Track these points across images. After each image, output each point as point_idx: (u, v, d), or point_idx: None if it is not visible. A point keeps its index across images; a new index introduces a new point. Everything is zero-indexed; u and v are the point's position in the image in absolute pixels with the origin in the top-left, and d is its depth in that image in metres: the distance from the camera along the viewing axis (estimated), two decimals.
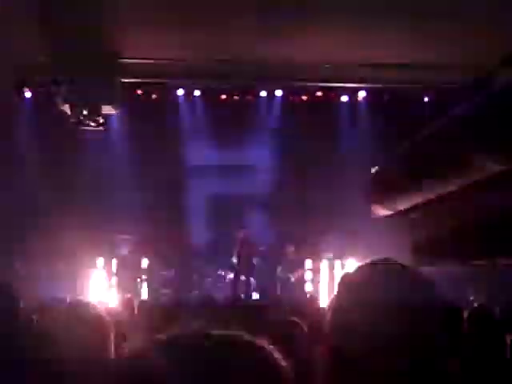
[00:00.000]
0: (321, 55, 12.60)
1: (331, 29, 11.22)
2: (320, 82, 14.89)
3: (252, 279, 14.69)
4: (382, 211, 10.77)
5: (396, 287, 1.44)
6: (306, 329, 4.83)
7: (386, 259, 1.55)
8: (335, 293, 1.55)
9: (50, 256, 13.98)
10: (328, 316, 1.53)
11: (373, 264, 1.54)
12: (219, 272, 15.09)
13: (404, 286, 1.45)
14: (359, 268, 1.56)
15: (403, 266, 1.52)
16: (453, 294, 9.18)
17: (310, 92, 15.36)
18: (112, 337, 2.28)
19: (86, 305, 2.38)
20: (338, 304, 1.52)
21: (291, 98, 15.73)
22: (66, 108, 11.76)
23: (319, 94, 15.28)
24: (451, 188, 7.57)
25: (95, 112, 11.70)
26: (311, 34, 11.45)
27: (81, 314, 2.27)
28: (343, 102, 15.69)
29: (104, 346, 2.24)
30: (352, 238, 14.33)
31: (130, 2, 10.25)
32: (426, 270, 3.83)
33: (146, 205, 14.98)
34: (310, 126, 15.10)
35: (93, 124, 11.84)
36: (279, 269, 15.00)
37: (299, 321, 4.80)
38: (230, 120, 15.73)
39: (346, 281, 1.54)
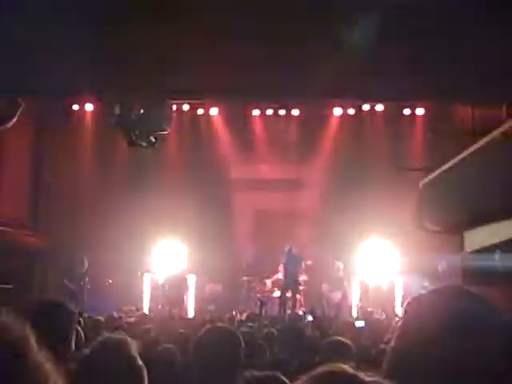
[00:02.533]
0: None
1: None
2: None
3: (298, 296, 14.56)
4: (429, 226, 10.57)
5: (465, 315, 1.39)
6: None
7: (453, 286, 1.51)
8: (400, 319, 1.51)
9: (99, 270, 14.37)
10: (392, 343, 1.49)
11: (440, 291, 1.49)
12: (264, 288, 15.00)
13: (472, 315, 1.40)
14: (427, 294, 1.52)
15: (471, 293, 1.48)
16: None
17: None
18: None
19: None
20: (402, 332, 1.47)
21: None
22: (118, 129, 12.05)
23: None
24: None
25: (147, 133, 11.89)
26: None
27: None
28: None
29: None
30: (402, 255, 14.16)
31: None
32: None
33: (192, 220, 15.07)
34: (358, 140, 15.12)
35: (144, 144, 12.02)
36: (324, 285, 14.83)
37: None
38: (276, 135, 15.88)
39: (412, 308, 1.50)
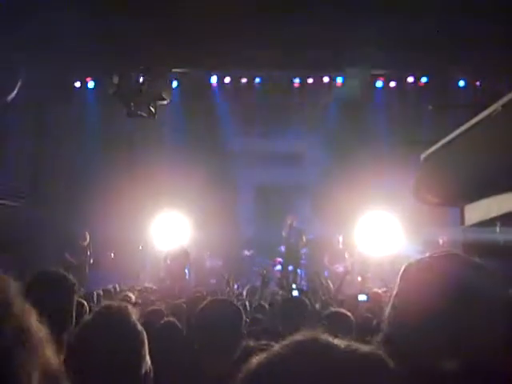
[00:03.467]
0: None
1: None
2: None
3: (300, 270, 14.62)
4: (431, 199, 10.54)
5: (460, 280, 1.38)
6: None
7: (448, 252, 1.50)
8: (396, 285, 1.50)
9: (98, 246, 14.42)
10: (387, 307, 1.49)
11: (435, 257, 1.48)
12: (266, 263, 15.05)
13: (468, 280, 1.39)
14: (421, 261, 1.50)
15: (466, 259, 1.47)
16: None
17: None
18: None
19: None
20: (398, 297, 1.46)
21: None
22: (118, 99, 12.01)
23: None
24: None
25: (147, 103, 11.85)
26: None
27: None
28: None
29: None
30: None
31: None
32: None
33: (193, 194, 15.07)
34: (356, 114, 15.11)
35: (144, 114, 11.97)
36: (326, 259, 14.88)
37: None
38: (278, 108, 15.84)
39: (407, 273, 1.49)
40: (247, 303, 7.03)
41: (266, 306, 6.75)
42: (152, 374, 2.19)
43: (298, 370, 0.96)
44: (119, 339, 2.12)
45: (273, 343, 2.42)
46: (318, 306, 6.41)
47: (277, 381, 0.96)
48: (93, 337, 2.15)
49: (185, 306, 5.82)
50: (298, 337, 1.03)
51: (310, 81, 15.91)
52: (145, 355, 2.18)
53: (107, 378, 2.05)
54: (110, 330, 2.14)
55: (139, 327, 2.22)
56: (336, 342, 1.02)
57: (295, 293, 11.27)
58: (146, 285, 13.46)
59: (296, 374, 0.96)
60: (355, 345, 1.03)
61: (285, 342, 1.04)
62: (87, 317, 2.36)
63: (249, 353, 2.45)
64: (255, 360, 1.02)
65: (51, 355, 0.99)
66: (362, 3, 11.09)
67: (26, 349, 0.94)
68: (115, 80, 11.45)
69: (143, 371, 2.14)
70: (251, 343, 2.39)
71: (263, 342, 2.42)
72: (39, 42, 11.70)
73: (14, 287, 1.00)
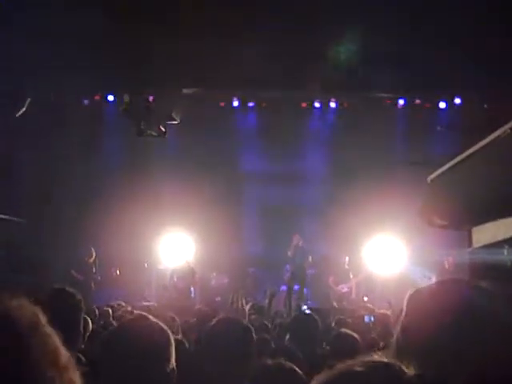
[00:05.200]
0: None
1: None
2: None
3: (306, 289, 14.57)
4: (437, 221, 10.51)
5: (467, 306, 1.38)
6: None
7: (455, 278, 1.50)
8: (404, 311, 1.49)
9: (104, 263, 14.44)
10: (395, 331, 1.49)
11: (442, 283, 1.48)
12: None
13: (475, 305, 1.39)
14: (428, 286, 1.50)
15: (473, 284, 1.46)
16: None
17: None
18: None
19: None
20: (405, 322, 1.46)
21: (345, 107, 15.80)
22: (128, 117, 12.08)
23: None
24: None
25: (157, 122, 11.91)
26: None
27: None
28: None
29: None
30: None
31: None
32: None
33: (199, 213, 15.08)
34: (362, 135, 15.15)
35: (154, 133, 12.03)
36: (331, 279, 14.83)
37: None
38: (283, 129, 15.88)
39: (415, 299, 1.49)
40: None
41: (269, 326, 6.72)
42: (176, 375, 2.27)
43: None
44: (148, 340, 2.21)
45: (287, 362, 2.43)
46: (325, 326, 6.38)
47: None
48: (123, 338, 2.25)
49: (192, 323, 5.81)
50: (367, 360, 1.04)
51: (317, 104, 16.03)
52: (171, 356, 2.27)
53: (136, 376, 2.14)
54: (140, 331, 2.25)
55: (165, 328, 2.32)
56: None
57: (307, 310, 11.21)
58: (147, 303, 13.45)
59: None
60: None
61: (352, 363, 1.04)
62: (112, 328, 2.46)
63: (267, 371, 2.46)
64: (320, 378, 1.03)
65: (77, 377, 1.05)
66: (371, 22, 11.17)
67: (56, 369, 1.00)
68: (126, 98, 11.53)
69: (169, 370, 2.24)
70: (268, 361, 2.40)
71: (280, 361, 2.43)
72: (49, 59, 11.79)
73: (39, 311, 1.06)
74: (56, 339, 1.04)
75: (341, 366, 1.02)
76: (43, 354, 0.99)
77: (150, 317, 2.38)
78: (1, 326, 0.99)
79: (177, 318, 5.93)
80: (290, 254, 14.29)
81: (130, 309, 8.36)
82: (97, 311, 7.97)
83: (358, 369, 1.00)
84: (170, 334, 2.33)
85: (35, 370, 0.96)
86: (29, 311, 1.03)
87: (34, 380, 0.96)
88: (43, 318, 1.05)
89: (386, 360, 1.03)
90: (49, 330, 1.04)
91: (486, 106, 14.77)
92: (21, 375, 0.95)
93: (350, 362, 1.03)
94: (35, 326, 1.02)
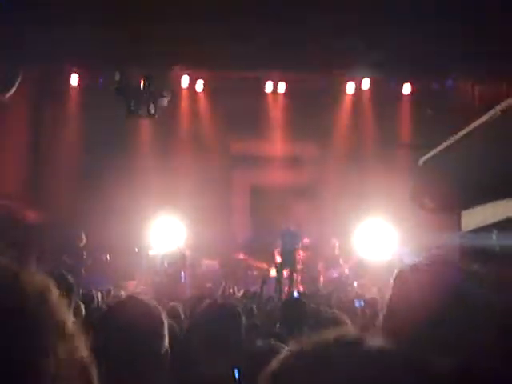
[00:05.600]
0: None
1: None
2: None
3: (295, 274, 14.58)
4: (428, 204, 10.56)
5: (453, 286, 1.38)
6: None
7: (442, 258, 1.48)
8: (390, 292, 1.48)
9: (94, 248, 14.40)
10: (381, 316, 1.47)
11: (429, 263, 1.47)
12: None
13: (461, 285, 1.38)
14: (415, 266, 1.49)
15: (459, 265, 1.46)
16: None
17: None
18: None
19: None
20: (391, 302, 1.45)
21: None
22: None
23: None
24: None
25: (147, 103, 11.84)
26: None
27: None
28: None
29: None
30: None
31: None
32: None
33: (189, 196, 15.05)
34: (354, 118, 15.14)
35: (144, 114, 11.97)
36: (321, 264, 14.86)
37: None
38: (276, 111, 15.85)
39: (401, 279, 1.47)
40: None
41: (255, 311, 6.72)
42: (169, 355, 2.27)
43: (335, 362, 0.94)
44: (141, 320, 2.20)
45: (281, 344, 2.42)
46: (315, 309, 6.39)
47: (306, 376, 0.94)
48: (117, 318, 2.24)
49: (181, 307, 5.80)
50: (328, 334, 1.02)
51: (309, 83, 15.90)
52: (164, 336, 2.26)
53: (130, 356, 2.13)
54: (133, 311, 2.23)
55: (159, 308, 2.31)
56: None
57: (295, 294, 11.24)
58: (141, 287, 13.45)
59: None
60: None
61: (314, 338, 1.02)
62: (104, 307, 2.48)
63: (257, 352, 2.45)
64: (280, 358, 1.00)
65: (82, 346, 1.07)
66: (366, 8, 11.11)
67: (61, 338, 1.02)
68: (117, 77, 11.46)
69: (163, 351, 2.22)
70: (259, 343, 2.39)
71: (272, 342, 2.42)
72: (39, 37, 11.67)
73: (48, 280, 1.08)
74: (65, 310, 1.06)
75: (298, 345, 1.00)
76: (51, 321, 1.01)
77: (142, 297, 2.37)
78: (12, 289, 1.00)
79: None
80: (279, 238, 14.30)
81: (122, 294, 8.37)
82: (99, 295, 8.01)
83: (318, 345, 0.98)
84: (163, 313, 2.32)
85: (41, 336, 0.98)
86: (40, 280, 1.05)
87: (38, 345, 0.98)
88: (54, 289, 1.07)
89: (351, 334, 1.01)
90: (57, 300, 1.06)
91: (475, 88, 14.78)
92: (26, 340, 0.96)
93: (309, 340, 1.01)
94: (45, 293, 1.04)
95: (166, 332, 2.27)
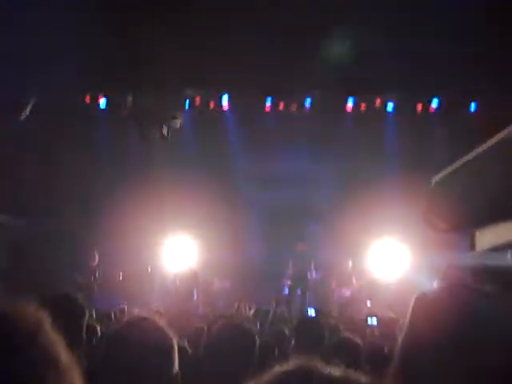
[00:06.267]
0: None
1: None
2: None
3: (307, 294, 14.54)
4: (441, 224, 10.47)
5: (471, 311, 1.37)
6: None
7: (459, 282, 1.48)
8: (408, 316, 1.48)
9: (107, 267, 14.43)
10: (400, 340, 1.47)
11: (446, 287, 1.47)
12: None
13: (480, 310, 1.38)
14: (434, 293, 1.49)
15: (476, 289, 1.45)
16: None
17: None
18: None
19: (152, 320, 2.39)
20: (410, 328, 1.45)
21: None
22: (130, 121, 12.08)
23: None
24: None
25: (160, 125, 11.92)
26: None
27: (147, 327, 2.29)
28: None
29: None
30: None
31: None
32: None
33: (202, 216, 15.06)
34: (366, 139, 15.13)
35: (157, 136, 12.05)
36: (334, 283, 14.80)
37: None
38: (291, 130, 15.87)
39: (419, 304, 1.47)
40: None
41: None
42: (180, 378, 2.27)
43: None
44: (152, 342, 2.20)
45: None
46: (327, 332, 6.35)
47: None
48: (127, 340, 2.23)
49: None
50: (290, 365, 1.03)
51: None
52: (175, 358, 2.25)
53: (141, 378, 2.12)
54: (144, 334, 2.22)
55: (169, 331, 2.31)
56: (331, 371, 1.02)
57: (312, 313, 11.17)
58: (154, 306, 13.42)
59: None
60: (351, 375, 1.03)
61: (273, 370, 1.03)
62: (113, 328, 2.45)
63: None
64: None
65: (78, 380, 1.08)
66: (375, 25, 11.16)
67: (56, 372, 1.03)
68: (129, 102, 11.55)
69: (174, 373, 2.23)
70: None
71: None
72: (51, 59, 11.79)
73: (43, 317, 1.10)
74: (58, 343, 1.07)
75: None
76: (45, 357, 1.02)
77: (153, 318, 2.36)
78: (5, 328, 1.02)
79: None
80: (292, 258, 14.29)
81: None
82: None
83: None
84: (173, 335, 2.31)
85: (36, 373, 0.99)
86: (33, 315, 1.06)
87: (33, 381, 0.98)
88: (47, 323, 1.08)
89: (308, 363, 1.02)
90: (52, 334, 1.07)
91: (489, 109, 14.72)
92: (21, 377, 0.97)
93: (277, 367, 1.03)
94: (38, 329, 1.05)
95: (176, 354, 2.26)
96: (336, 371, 1.02)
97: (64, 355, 1.07)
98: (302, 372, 0.99)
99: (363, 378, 1.04)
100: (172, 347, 2.26)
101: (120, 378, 2.12)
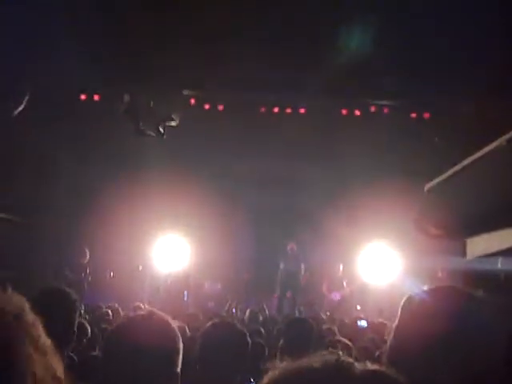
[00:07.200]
0: None
1: None
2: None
3: (297, 296, 14.56)
4: (433, 231, 10.50)
5: (459, 313, 1.38)
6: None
7: (448, 286, 1.50)
8: (397, 319, 1.49)
9: (98, 264, 14.39)
10: (388, 342, 1.48)
11: (435, 290, 1.48)
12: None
13: (468, 313, 1.39)
14: (422, 294, 1.50)
15: (465, 292, 1.47)
16: None
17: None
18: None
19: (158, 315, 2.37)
20: (398, 330, 1.46)
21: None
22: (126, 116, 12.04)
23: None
24: None
25: (156, 123, 11.90)
26: None
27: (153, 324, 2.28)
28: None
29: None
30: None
31: None
32: None
33: (193, 217, 15.05)
34: (358, 143, 15.15)
35: (152, 134, 12.03)
36: (324, 287, 14.83)
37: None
38: (282, 132, 15.87)
39: (408, 306, 1.49)
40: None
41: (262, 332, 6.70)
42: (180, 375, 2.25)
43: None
44: (159, 336, 2.18)
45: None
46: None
47: None
48: (132, 334, 2.20)
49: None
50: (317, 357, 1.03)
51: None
52: (177, 358, 2.23)
53: (146, 373, 2.10)
54: (151, 328, 2.21)
55: (175, 326, 2.29)
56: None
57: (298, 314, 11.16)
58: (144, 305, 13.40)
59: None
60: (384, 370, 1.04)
61: (304, 360, 1.03)
62: (114, 326, 2.44)
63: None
64: (270, 375, 1.02)
65: (58, 362, 1.13)
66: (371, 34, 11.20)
67: (37, 354, 1.07)
68: (126, 99, 11.52)
69: (179, 369, 2.21)
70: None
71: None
72: (48, 56, 11.75)
73: (24, 301, 1.15)
74: (38, 325, 1.12)
75: (290, 364, 1.02)
76: (26, 342, 1.06)
77: (158, 312, 2.35)
78: None
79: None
80: (283, 260, 14.28)
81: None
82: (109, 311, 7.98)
83: (308, 366, 1.00)
84: (178, 333, 2.29)
85: (17, 357, 1.03)
86: (16, 299, 1.12)
87: (14, 364, 1.03)
88: (28, 309, 1.13)
89: (336, 356, 1.02)
90: (32, 319, 1.12)
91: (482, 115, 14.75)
92: (3, 360, 1.01)
93: (302, 360, 1.03)
94: (22, 310, 1.10)
95: (179, 353, 2.24)
96: (367, 365, 1.02)
97: (43, 337, 1.11)
98: (335, 367, 1.00)
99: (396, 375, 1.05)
100: (174, 346, 2.24)
101: (120, 372, 2.11)
